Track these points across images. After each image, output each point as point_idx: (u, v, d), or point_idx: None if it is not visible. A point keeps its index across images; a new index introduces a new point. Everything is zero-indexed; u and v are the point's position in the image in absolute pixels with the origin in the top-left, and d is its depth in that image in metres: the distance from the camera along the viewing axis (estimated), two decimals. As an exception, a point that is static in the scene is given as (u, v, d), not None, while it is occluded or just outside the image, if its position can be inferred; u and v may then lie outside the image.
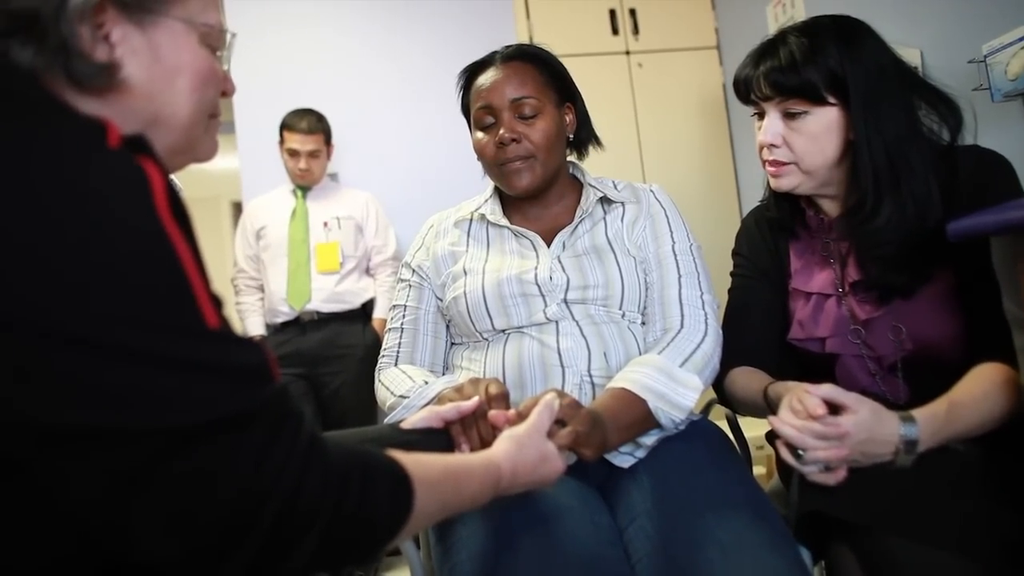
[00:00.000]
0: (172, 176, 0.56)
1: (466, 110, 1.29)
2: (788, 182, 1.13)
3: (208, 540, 0.48)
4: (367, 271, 2.70)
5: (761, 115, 1.14)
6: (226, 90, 0.69)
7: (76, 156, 0.47)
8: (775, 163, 1.12)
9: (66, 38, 0.53)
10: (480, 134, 1.23)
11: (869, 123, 1.04)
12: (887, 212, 1.05)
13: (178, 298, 0.49)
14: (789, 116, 1.09)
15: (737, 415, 1.31)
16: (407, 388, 1.14)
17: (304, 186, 2.64)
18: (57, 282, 0.45)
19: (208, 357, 0.50)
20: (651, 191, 1.29)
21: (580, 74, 1.33)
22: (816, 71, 1.05)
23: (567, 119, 1.26)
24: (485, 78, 1.22)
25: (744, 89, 1.14)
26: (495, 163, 1.21)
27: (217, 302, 0.53)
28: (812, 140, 1.08)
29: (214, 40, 0.66)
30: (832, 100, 1.06)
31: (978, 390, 0.96)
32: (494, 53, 1.25)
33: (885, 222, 1.05)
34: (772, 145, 1.11)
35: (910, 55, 1.19)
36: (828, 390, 0.91)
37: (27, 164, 0.46)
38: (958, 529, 0.87)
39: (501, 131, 1.18)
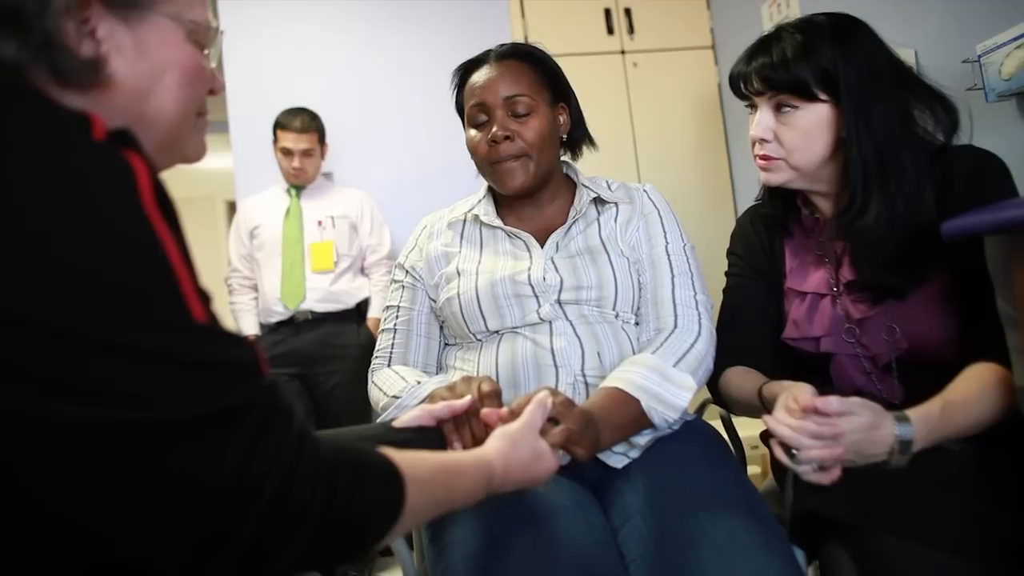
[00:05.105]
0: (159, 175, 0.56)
1: (460, 108, 1.28)
2: (777, 177, 1.13)
3: (197, 536, 0.48)
4: (362, 270, 2.69)
5: (755, 108, 1.14)
6: (214, 88, 0.69)
7: (60, 148, 0.47)
8: (765, 157, 1.13)
9: (50, 33, 0.53)
10: (473, 132, 1.22)
11: (860, 121, 1.04)
12: (875, 209, 1.05)
13: (163, 292, 0.49)
14: (780, 111, 1.09)
15: (731, 415, 1.31)
16: (400, 388, 1.14)
17: (298, 185, 2.64)
18: (40, 275, 0.44)
19: (195, 351, 0.49)
20: (644, 191, 1.28)
21: (575, 73, 1.32)
22: (808, 68, 1.05)
23: (561, 119, 1.26)
24: (479, 76, 1.22)
25: (737, 84, 1.14)
26: (488, 161, 1.20)
27: (205, 297, 0.52)
28: (802, 136, 1.08)
29: (201, 37, 0.65)
30: (823, 97, 1.06)
31: (972, 390, 0.96)
32: (488, 51, 1.25)
33: (874, 220, 1.05)
34: (763, 140, 1.11)
35: (904, 55, 1.19)
36: (836, 405, 0.91)
37: (8, 156, 0.45)
38: (952, 529, 0.87)
39: (494, 129, 1.18)
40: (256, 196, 2.71)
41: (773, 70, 1.07)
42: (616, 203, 1.25)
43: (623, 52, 3.09)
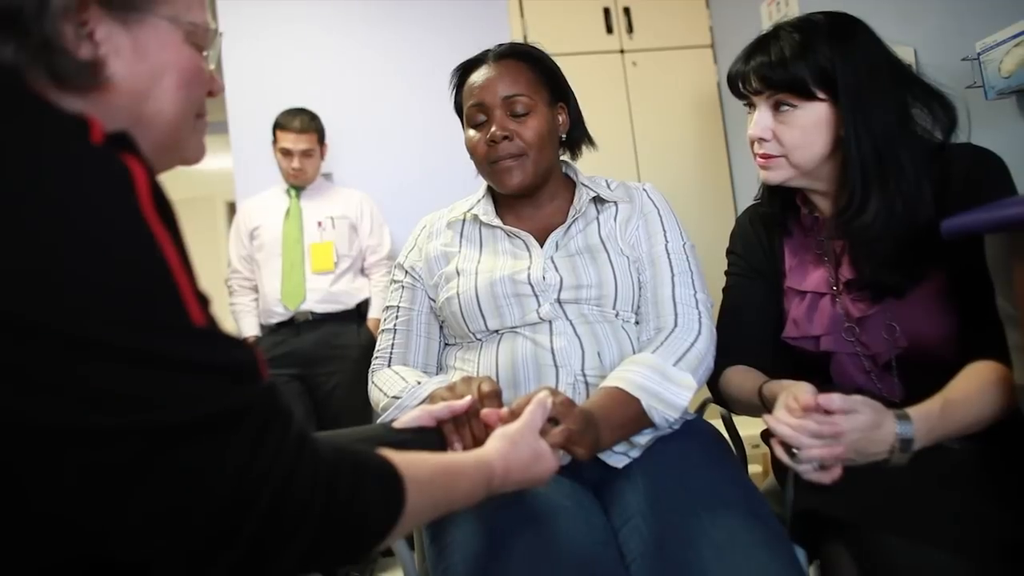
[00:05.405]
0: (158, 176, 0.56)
1: (459, 108, 1.28)
2: (777, 175, 1.13)
3: (196, 539, 0.48)
4: (362, 271, 2.69)
5: (753, 107, 1.14)
6: (212, 89, 0.69)
7: (57, 151, 0.47)
8: (765, 156, 1.13)
9: (49, 36, 0.53)
10: (472, 132, 1.23)
11: (858, 120, 1.04)
12: (874, 208, 1.05)
13: (162, 295, 0.49)
14: (779, 110, 1.09)
15: (732, 414, 1.31)
16: (400, 389, 1.14)
17: (298, 186, 2.64)
18: (38, 278, 0.44)
19: (193, 355, 0.49)
20: (644, 190, 1.29)
21: (574, 73, 1.32)
22: (805, 67, 1.05)
23: (560, 118, 1.26)
24: (477, 76, 1.22)
25: (736, 83, 1.14)
26: (486, 161, 1.21)
27: (203, 299, 0.52)
28: (801, 134, 1.08)
29: (200, 39, 0.65)
30: (821, 96, 1.06)
31: (972, 388, 0.96)
32: (486, 51, 1.25)
33: (872, 218, 1.05)
34: (761, 139, 1.11)
35: (904, 53, 1.20)
36: (838, 401, 0.91)
37: (6, 159, 0.45)
38: (952, 527, 0.87)
39: (492, 128, 1.18)
40: (256, 197, 2.71)
41: (771, 69, 1.07)
42: (615, 202, 1.25)
43: (622, 51, 3.09)
